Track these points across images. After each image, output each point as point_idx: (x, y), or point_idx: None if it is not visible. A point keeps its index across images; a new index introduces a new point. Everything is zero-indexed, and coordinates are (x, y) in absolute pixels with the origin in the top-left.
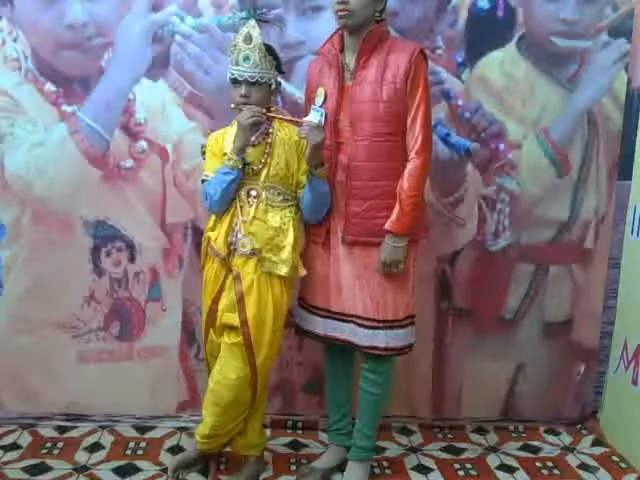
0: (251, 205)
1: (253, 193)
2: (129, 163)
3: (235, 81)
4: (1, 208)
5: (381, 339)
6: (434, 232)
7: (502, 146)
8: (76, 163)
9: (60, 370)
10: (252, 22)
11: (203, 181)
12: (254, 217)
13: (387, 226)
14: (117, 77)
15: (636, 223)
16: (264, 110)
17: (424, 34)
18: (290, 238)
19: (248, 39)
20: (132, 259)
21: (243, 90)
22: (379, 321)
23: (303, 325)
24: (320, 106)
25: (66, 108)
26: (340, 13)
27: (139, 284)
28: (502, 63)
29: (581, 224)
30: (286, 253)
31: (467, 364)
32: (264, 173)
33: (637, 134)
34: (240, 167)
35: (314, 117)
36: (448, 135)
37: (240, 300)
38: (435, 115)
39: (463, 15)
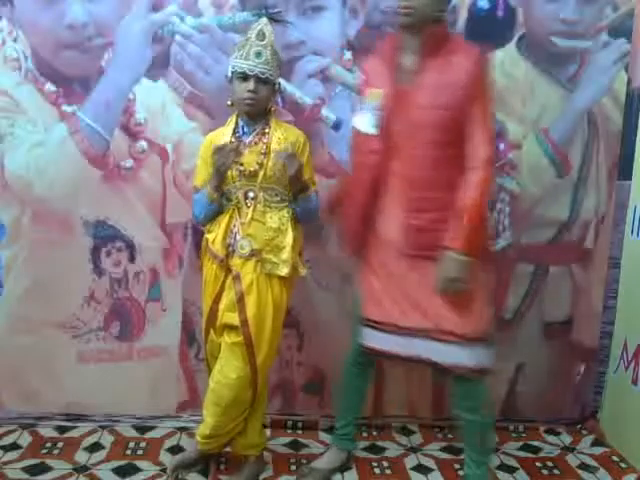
0: (249, 207)
1: (251, 195)
2: (129, 163)
3: (244, 76)
4: (1, 208)
5: (469, 357)
6: None
7: (502, 146)
8: (76, 163)
9: (60, 370)
10: (264, 20)
11: (194, 188)
12: (252, 218)
13: (450, 242)
14: (117, 77)
15: (636, 223)
16: (235, 146)
17: None
18: (289, 238)
19: (261, 35)
20: (132, 259)
21: (252, 85)
22: (460, 336)
23: (374, 345)
24: (374, 108)
25: (66, 108)
26: (403, 11)
27: (139, 284)
28: (502, 63)
29: (581, 224)
30: (286, 253)
31: None
32: (261, 174)
33: (637, 134)
34: (218, 199)
35: (365, 119)
36: None
37: (240, 300)
38: None
39: (463, 15)
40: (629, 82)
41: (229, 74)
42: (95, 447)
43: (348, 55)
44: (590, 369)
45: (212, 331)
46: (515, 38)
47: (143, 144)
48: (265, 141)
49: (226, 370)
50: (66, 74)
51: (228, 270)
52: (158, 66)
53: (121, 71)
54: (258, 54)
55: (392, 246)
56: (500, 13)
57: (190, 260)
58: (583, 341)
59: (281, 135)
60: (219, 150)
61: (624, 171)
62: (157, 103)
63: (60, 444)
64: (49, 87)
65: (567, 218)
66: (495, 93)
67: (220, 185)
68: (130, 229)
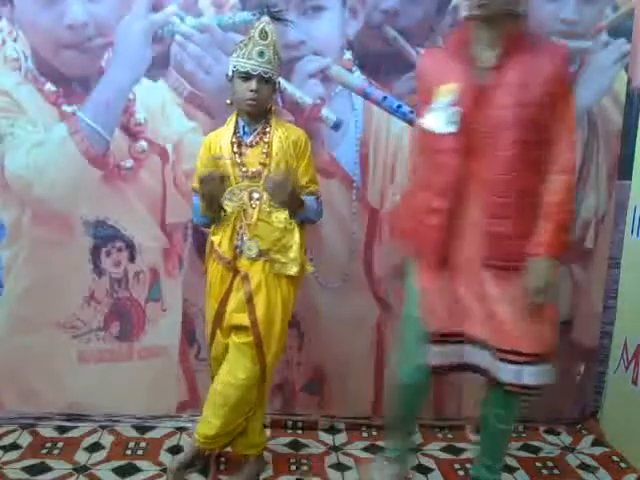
0: (254, 207)
1: (255, 195)
2: (129, 163)
3: (246, 75)
4: (1, 208)
5: (531, 376)
6: None
7: None
8: (76, 163)
9: (60, 370)
10: (266, 18)
11: (193, 189)
12: (258, 219)
13: (539, 249)
14: (117, 77)
15: (636, 223)
16: (220, 173)
17: (424, 34)
18: (297, 237)
19: (264, 34)
20: (132, 259)
21: (254, 85)
22: (529, 355)
23: (441, 362)
24: (448, 105)
25: (66, 108)
26: (480, 2)
27: (139, 284)
28: None
29: (581, 224)
30: (294, 252)
31: None
32: (265, 174)
33: (637, 134)
34: (213, 215)
35: (439, 117)
36: None
37: (249, 300)
38: None
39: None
40: (629, 82)
41: (230, 73)
42: (95, 447)
43: (348, 55)
44: (590, 369)
45: (219, 332)
46: None
47: (143, 144)
48: (267, 140)
49: (235, 371)
50: (66, 74)
51: (235, 271)
52: (158, 66)
53: (121, 71)
54: (261, 53)
55: (471, 256)
56: None
57: (190, 260)
58: (583, 341)
59: (282, 134)
60: (204, 179)
61: (624, 171)
62: (157, 103)
63: (60, 444)
64: (49, 87)
65: None
66: None
67: (212, 207)
68: (130, 229)
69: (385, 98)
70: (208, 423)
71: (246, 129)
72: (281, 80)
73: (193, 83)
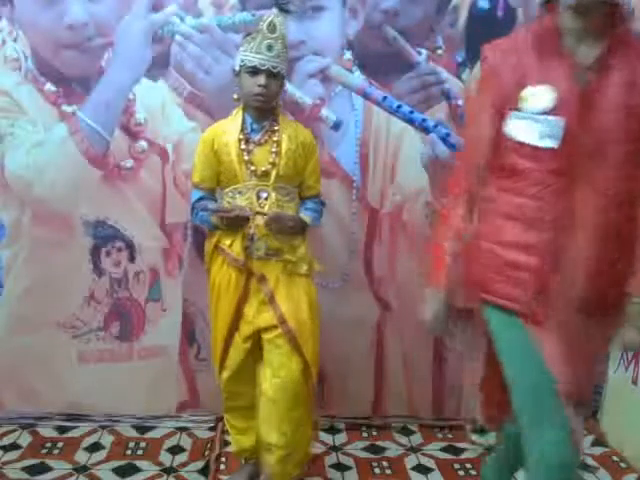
0: (262, 207)
1: (263, 195)
2: (129, 163)
3: (254, 70)
4: (1, 208)
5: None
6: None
7: None
8: (76, 163)
9: (60, 370)
10: (275, 10)
11: (192, 184)
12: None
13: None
14: (117, 77)
15: None
16: (250, 213)
17: (424, 34)
18: (302, 235)
19: (272, 27)
20: (132, 259)
21: (263, 80)
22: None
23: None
24: (544, 112)
25: (66, 108)
26: None
27: (139, 284)
28: None
29: None
30: (302, 251)
31: (467, 364)
32: (274, 174)
33: None
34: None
35: (535, 130)
36: (448, 135)
37: (272, 299)
38: (435, 115)
39: (463, 15)
40: None
41: (237, 68)
42: (95, 447)
43: (348, 55)
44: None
45: (237, 337)
46: None
47: (143, 144)
48: (275, 139)
49: (278, 370)
50: (66, 74)
51: (248, 274)
52: (158, 66)
53: (121, 71)
54: (269, 47)
55: (572, 298)
56: (500, 13)
57: (190, 260)
58: None
59: (291, 133)
60: (232, 221)
61: None
62: (157, 103)
63: (60, 444)
64: (49, 87)
65: None
66: None
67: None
68: (130, 229)
69: (385, 98)
70: (277, 432)
71: (254, 126)
72: None
73: (193, 83)
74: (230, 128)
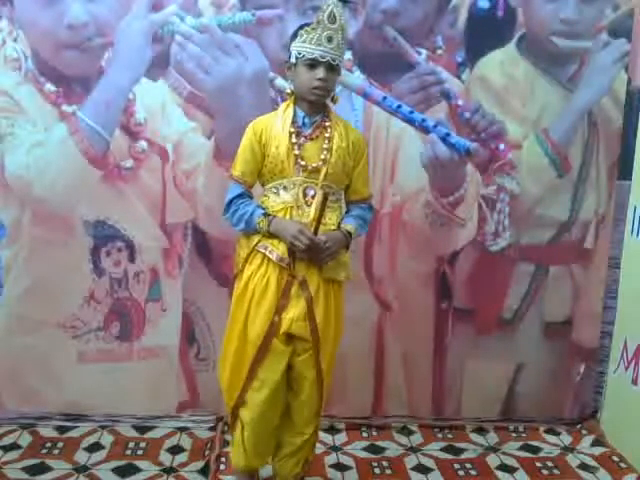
0: (309, 205)
1: (311, 192)
2: (129, 163)
3: (314, 62)
4: (1, 208)
5: None
6: (434, 232)
7: (502, 146)
8: (76, 163)
9: (60, 370)
10: (334, 0)
11: (230, 177)
12: (314, 219)
13: None
14: (117, 77)
15: (636, 223)
16: (318, 242)
17: (424, 34)
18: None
19: (332, 18)
20: (132, 259)
21: (323, 73)
22: None
23: None
24: None
25: (66, 108)
26: None
27: (139, 284)
28: (502, 63)
29: (581, 224)
30: (345, 256)
31: (467, 364)
32: (324, 171)
33: (637, 134)
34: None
35: None
36: (448, 135)
37: (310, 307)
38: (435, 115)
39: (463, 15)
40: (629, 82)
41: (293, 60)
42: (95, 447)
43: (348, 55)
44: (590, 369)
45: (276, 341)
46: (515, 38)
47: (143, 144)
48: (327, 135)
49: (302, 386)
50: (66, 74)
51: (290, 276)
52: (158, 66)
53: (121, 71)
54: (330, 38)
55: None
56: (500, 13)
57: (190, 260)
58: (583, 341)
59: (342, 131)
60: (296, 235)
61: (624, 171)
62: (157, 103)
63: (60, 444)
64: (49, 87)
65: (567, 218)
66: (495, 93)
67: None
68: (130, 229)
69: (385, 98)
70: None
71: (305, 120)
72: (281, 81)
73: (193, 83)
74: (280, 121)
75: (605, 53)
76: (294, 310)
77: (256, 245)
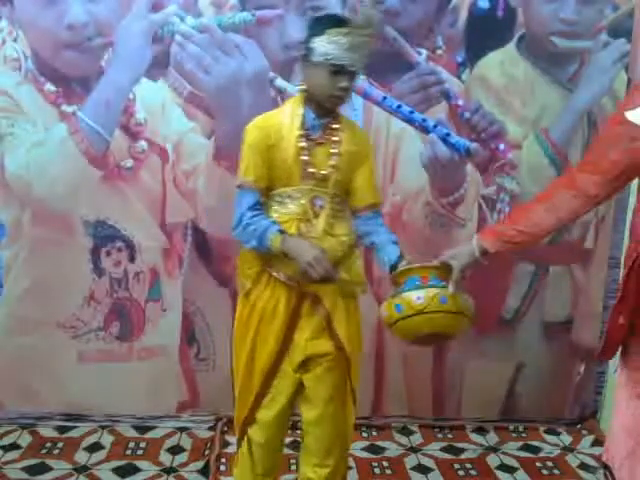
0: (317, 216)
1: (319, 202)
2: (129, 163)
3: (339, 69)
4: (1, 208)
5: None
6: (434, 232)
7: (502, 146)
8: (76, 163)
9: (60, 370)
10: (368, 2)
11: (239, 186)
12: (324, 231)
13: None
14: (117, 77)
15: None
16: (335, 276)
17: (424, 34)
18: (357, 252)
19: (368, 24)
20: (132, 259)
21: (347, 82)
22: None
23: None
24: None
25: (66, 108)
26: None
27: (139, 284)
28: (502, 63)
29: (581, 224)
30: (359, 270)
31: (467, 364)
32: (333, 179)
33: None
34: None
35: None
36: (448, 135)
37: (329, 323)
38: (435, 115)
39: (463, 15)
40: (629, 82)
41: (315, 59)
42: (95, 447)
43: None
44: (590, 369)
45: (286, 367)
46: (515, 38)
47: (143, 144)
48: (336, 139)
49: (324, 408)
50: (66, 74)
51: (300, 294)
52: (158, 66)
53: (121, 71)
54: (360, 46)
55: None
56: (500, 13)
57: (190, 260)
58: (583, 341)
59: (350, 133)
60: (312, 263)
61: None
62: (157, 103)
63: (60, 444)
64: (49, 87)
65: None
66: (495, 93)
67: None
68: (130, 229)
69: (385, 98)
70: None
71: (315, 122)
72: (281, 81)
73: (193, 83)
74: (287, 121)
75: (605, 53)
76: (307, 330)
77: (261, 268)
